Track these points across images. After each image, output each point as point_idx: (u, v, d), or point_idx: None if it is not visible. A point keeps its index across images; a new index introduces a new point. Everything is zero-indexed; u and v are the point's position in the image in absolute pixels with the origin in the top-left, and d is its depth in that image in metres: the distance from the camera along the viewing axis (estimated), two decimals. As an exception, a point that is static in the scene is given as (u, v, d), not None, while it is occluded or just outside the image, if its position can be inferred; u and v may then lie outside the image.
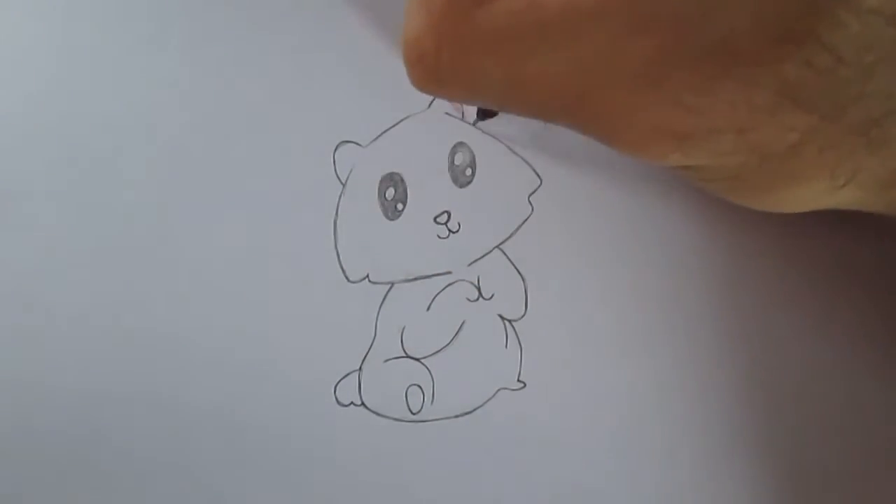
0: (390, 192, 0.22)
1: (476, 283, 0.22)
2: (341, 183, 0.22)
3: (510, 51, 0.14)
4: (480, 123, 0.22)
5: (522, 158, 0.22)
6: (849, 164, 0.14)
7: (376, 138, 0.22)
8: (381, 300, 0.22)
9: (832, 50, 0.13)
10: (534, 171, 0.22)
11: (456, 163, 0.22)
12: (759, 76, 0.13)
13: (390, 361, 0.22)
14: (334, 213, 0.22)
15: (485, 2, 0.14)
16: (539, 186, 0.22)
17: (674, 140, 0.14)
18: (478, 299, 0.22)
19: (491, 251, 0.22)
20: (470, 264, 0.22)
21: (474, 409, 0.22)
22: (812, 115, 0.13)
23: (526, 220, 0.22)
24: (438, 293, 0.22)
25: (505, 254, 0.22)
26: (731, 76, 0.13)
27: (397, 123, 0.22)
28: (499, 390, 0.22)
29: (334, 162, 0.22)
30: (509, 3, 0.14)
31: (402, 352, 0.22)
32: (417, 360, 0.22)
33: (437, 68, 0.15)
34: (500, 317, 0.22)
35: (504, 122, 0.22)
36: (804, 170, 0.14)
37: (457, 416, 0.22)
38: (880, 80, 0.13)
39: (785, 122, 0.13)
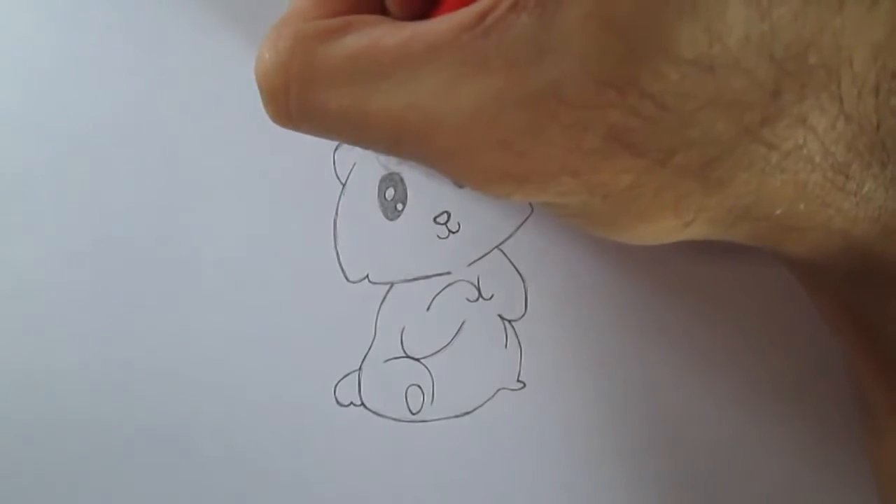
0: (390, 193, 0.22)
1: (476, 283, 0.22)
2: (341, 183, 0.22)
3: (353, 88, 0.14)
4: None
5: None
6: (689, 204, 0.14)
7: (376, 138, 0.22)
8: (380, 300, 0.22)
9: (654, 98, 0.13)
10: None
11: (456, 163, 0.22)
12: (587, 121, 0.13)
13: (390, 361, 0.22)
14: (334, 213, 0.22)
15: (328, 40, 0.15)
16: (539, 186, 0.22)
17: (512, 182, 0.14)
18: (477, 299, 0.22)
19: (490, 251, 0.22)
20: (470, 264, 0.22)
21: (474, 409, 0.22)
22: (642, 159, 0.14)
23: (526, 220, 0.22)
24: (438, 293, 0.22)
25: (504, 254, 0.22)
26: (560, 120, 0.13)
27: (397, 123, 0.22)
28: (499, 390, 0.22)
29: (334, 162, 0.22)
30: (351, 41, 0.14)
31: (402, 352, 0.22)
32: (417, 360, 0.22)
33: (286, 106, 0.15)
34: (500, 317, 0.22)
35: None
36: (647, 209, 0.15)
37: (457, 416, 0.22)
38: (704, 126, 0.13)
39: (617, 166, 0.14)
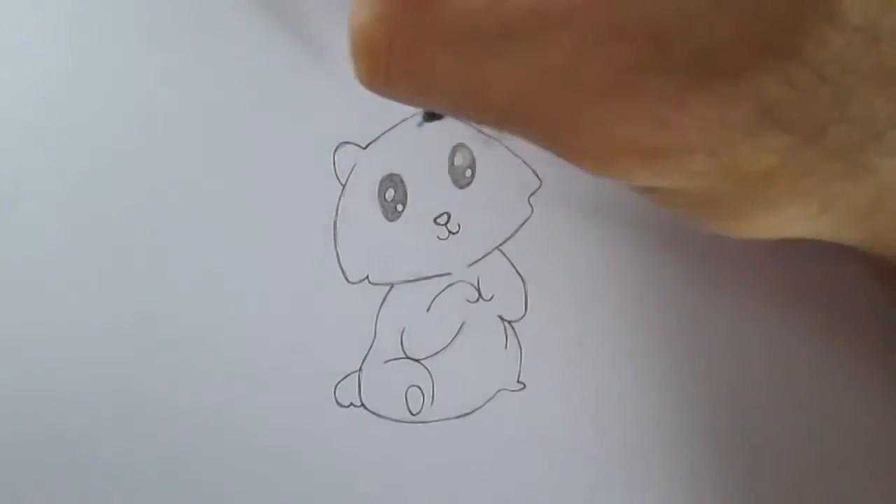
0: (390, 193, 0.22)
1: (476, 284, 0.22)
2: (341, 184, 0.22)
3: (470, 50, 0.13)
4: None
5: (522, 159, 0.22)
6: (825, 191, 0.14)
7: (376, 139, 0.22)
8: (380, 301, 0.22)
9: (814, 68, 0.12)
10: (534, 172, 0.22)
11: (456, 164, 0.22)
12: (737, 91, 0.12)
13: (390, 362, 0.22)
14: (334, 213, 0.22)
15: None
16: (539, 187, 0.22)
17: (641, 157, 0.13)
18: (478, 300, 0.22)
19: (491, 252, 0.22)
20: (470, 265, 0.22)
21: (474, 410, 0.22)
22: (791, 136, 0.13)
23: (526, 221, 0.22)
24: (438, 294, 0.22)
25: (505, 255, 0.22)
26: (708, 89, 0.12)
27: (397, 124, 0.22)
28: (499, 391, 0.22)
29: (334, 163, 0.22)
30: None
31: (402, 353, 0.22)
32: (417, 360, 0.22)
33: (387, 64, 0.13)
34: (500, 318, 0.22)
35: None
36: (778, 196, 0.14)
37: (457, 417, 0.22)
38: (862, 101, 0.13)
39: (762, 143, 0.13)
